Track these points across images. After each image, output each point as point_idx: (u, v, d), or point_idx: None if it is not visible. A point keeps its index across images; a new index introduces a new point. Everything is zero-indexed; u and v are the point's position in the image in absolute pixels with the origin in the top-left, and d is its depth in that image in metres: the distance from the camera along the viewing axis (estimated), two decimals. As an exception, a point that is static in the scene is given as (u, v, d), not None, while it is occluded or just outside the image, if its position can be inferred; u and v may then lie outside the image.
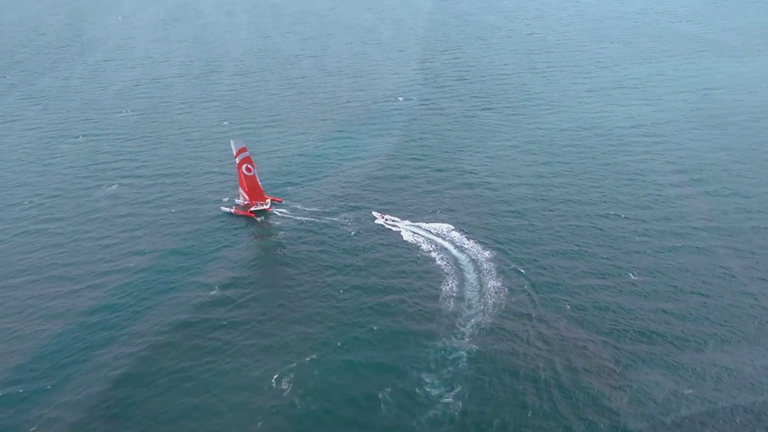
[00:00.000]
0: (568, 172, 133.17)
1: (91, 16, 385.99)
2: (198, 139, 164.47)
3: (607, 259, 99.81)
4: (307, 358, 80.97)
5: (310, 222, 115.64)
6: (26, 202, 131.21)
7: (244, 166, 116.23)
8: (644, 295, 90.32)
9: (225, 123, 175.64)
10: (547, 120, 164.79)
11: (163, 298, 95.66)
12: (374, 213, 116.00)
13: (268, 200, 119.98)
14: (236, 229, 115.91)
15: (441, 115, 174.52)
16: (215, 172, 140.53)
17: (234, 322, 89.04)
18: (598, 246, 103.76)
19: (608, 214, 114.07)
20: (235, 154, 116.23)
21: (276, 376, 77.95)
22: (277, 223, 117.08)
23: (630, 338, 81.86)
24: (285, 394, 75.34)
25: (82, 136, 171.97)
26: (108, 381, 79.11)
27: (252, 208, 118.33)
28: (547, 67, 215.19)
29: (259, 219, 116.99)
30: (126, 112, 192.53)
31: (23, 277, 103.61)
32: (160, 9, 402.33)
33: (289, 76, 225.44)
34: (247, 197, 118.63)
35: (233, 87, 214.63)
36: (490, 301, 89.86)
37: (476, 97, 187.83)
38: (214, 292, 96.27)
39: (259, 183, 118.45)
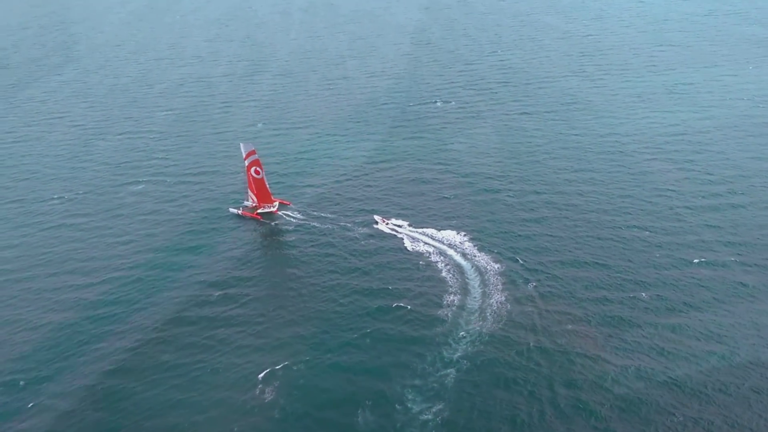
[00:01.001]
0: (599, 180, 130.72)
1: (151, 15, 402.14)
2: (231, 140, 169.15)
3: (621, 273, 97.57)
4: (297, 360, 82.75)
5: (322, 226, 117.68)
6: (57, 198, 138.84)
7: (252, 169, 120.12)
8: (653, 311, 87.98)
9: (259, 125, 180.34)
10: (586, 126, 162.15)
11: (168, 295, 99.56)
12: (375, 217, 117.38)
13: (276, 203, 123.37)
14: (250, 230, 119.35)
15: (477, 118, 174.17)
16: (241, 173, 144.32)
17: (232, 322, 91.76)
18: (615, 259, 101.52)
19: (632, 225, 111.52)
20: (244, 156, 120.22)
21: (262, 376, 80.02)
22: (290, 226, 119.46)
23: (631, 356, 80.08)
24: (268, 394, 77.29)
25: (121, 134, 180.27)
26: (102, 374, 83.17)
27: (259, 210, 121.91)
28: (597, 71, 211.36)
29: (273, 223, 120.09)
30: (167, 110, 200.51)
31: (41, 270, 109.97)
32: (218, 7, 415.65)
33: (331, 77, 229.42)
34: (255, 199, 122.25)
35: (274, 87, 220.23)
36: (492, 313, 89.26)
37: (517, 101, 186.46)
38: (218, 292, 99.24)
39: (267, 185, 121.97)
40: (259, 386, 78.83)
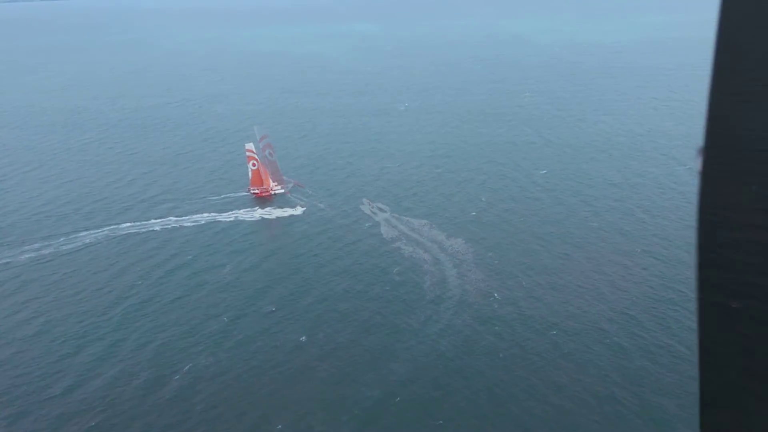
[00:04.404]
0: (653, 194, 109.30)
1: None
2: (316, 118, 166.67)
3: (602, 309, 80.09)
4: (230, 365, 76.91)
5: (338, 221, 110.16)
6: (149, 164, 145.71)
7: (267, 151, 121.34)
8: (620, 364, 70.99)
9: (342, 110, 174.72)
10: (676, 128, 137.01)
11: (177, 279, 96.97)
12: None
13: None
14: (268, 213, 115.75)
15: (559, 110, 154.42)
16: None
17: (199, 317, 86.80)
18: (608, 292, 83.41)
19: (652, 252, 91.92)
20: (258, 139, 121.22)
21: (187, 368, 76.22)
22: (311, 213, 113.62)
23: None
24: (187, 390, 73.19)
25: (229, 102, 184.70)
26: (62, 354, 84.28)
27: (272, 192, 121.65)
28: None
29: (291, 208, 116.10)
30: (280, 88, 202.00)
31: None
32: None
33: (437, 62, 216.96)
34: (270, 180, 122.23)
35: (381, 68, 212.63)
36: (444, 341, 77.00)
37: (608, 98, 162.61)
38: (214, 285, 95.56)
39: (279, 168, 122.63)
40: (182, 383, 74.62)
